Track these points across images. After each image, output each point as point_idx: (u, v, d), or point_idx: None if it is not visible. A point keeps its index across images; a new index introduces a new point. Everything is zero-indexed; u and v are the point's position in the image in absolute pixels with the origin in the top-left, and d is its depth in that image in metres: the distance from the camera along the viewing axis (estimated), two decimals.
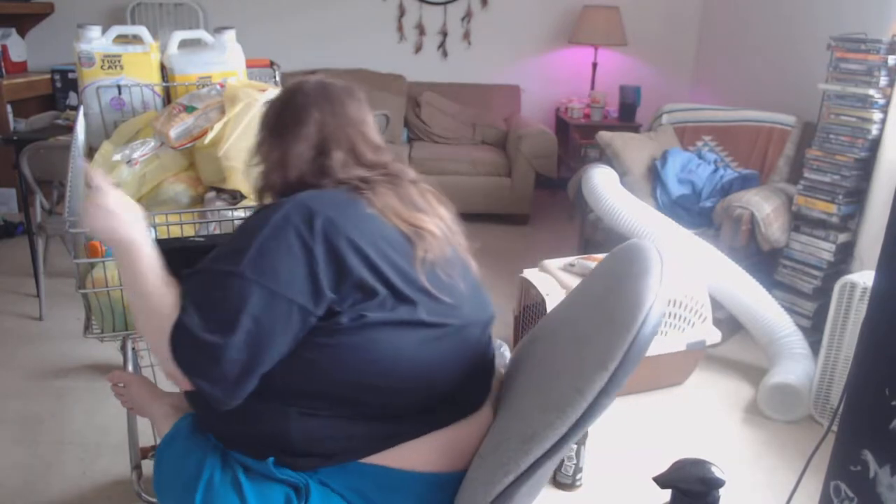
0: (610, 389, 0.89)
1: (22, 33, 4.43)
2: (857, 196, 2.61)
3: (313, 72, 4.42)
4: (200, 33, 1.91)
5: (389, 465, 1.05)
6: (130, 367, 1.64)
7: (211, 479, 1.05)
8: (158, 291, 1.00)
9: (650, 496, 1.58)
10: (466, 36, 4.78)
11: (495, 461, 0.97)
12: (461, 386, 1.11)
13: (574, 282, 2.34)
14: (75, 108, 1.94)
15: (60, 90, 4.30)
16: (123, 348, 1.69)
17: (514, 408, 1.09)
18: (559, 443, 0.91)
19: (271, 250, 0.98)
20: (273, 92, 1.65)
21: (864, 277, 2.14)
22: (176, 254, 1.10)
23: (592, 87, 4.72)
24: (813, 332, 2.61)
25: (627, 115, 4.54)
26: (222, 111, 1.66)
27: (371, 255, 1.01)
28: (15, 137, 3.00)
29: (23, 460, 2.03)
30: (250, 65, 2.02)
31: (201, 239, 1.44)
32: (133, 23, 4.32)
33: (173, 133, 1.65)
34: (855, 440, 1.25)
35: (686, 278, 2.44)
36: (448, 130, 4.52)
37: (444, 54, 4.82)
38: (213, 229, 1.58)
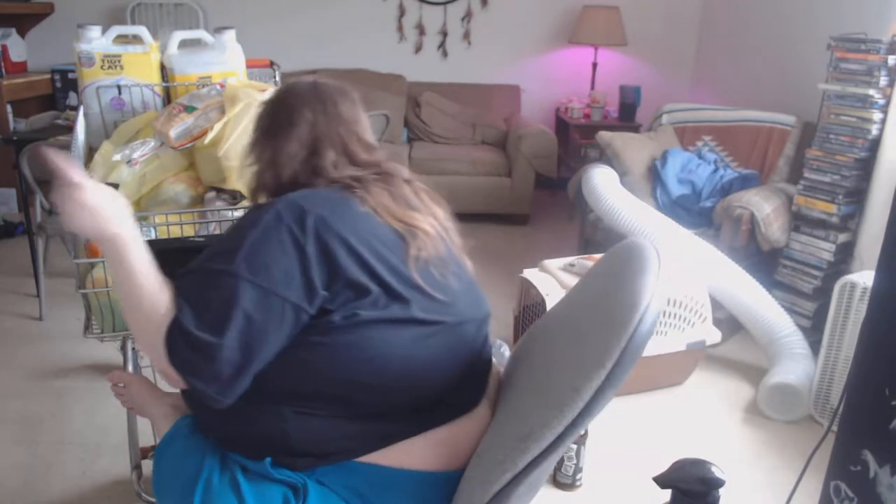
0: (607, 388, 0.89)
1: (22, 33, 4.43)
2: (857, 196, 2.61)
3: (313, 72, 4.42)
4: (200, 33, 1.91)
5: (386, 465, 1.05)
6: (130, 367, 1.64)
7: (209, 479, 1.05)
8: (152, 290, 0.99)
9: (650, 496, 1.58)
10: (466, 36, 4.78)
11: (492, 460, 0.98)
12: (456, 384, 1.11)
13: (574, 282, 2.34)
14: (75, 108, 1.94)
15: (60, 90, 4.30)
16: (123, 348, 1.69)
17: (511, 406, 1.09)
18: (556, 441, 0.91)
19: (264, 249, 0.98)
20: (272, 92, 1.65)
21: (864, 277, 2.14)
22: (169, 254, 1.10)
23: (592, 87, 4.72)
24: (813, 332, 2.61)
25: (627, 115, 4.54)
26: (222, 111, 1.66)
27: (363, 253, 1.02)
28: (15, 137, 3.00)
29: (23, 460, 2.03)
30: (250, 65, 2.02)
31: (201, 239, 1.44)
32: (133, 23, 4.32)
33: (173, 133, 1.65)
34: (855, 440, 1.25)
35: (686, 278, 2.44)
36: (448, 130, 4.52)
37: (444, 54, 4.82)
38: (213, 229, 1.58)
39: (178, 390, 1.17)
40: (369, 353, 1.01)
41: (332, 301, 1.00)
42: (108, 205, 0.98)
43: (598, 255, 2.50)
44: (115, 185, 1.62)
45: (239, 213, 1.57)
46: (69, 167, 0.96)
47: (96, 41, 1.78)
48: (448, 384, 1.09)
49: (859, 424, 1.25)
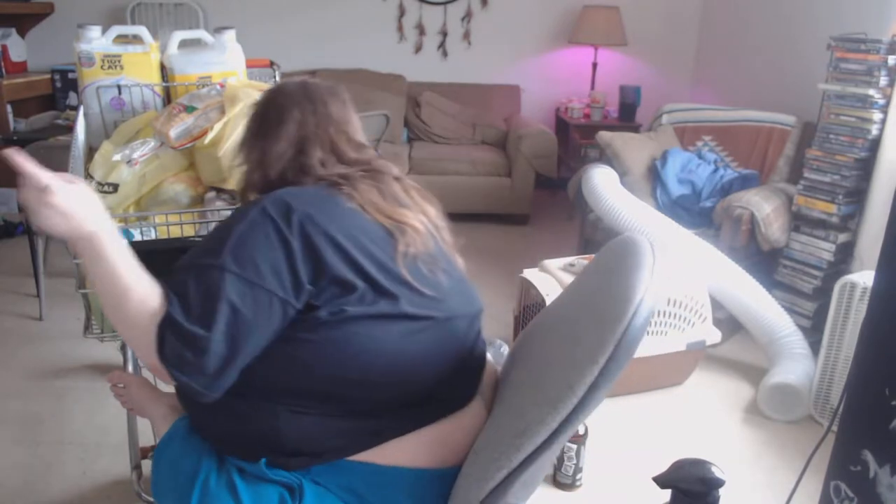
0: (601, 383, 0.89)
1: (22, 33, 4.43)
2: (857, 196, 2.61)
3: (313, 72, 4.42)
4: (200, 33, 1.91)
5: (380, 463, 1.05)
6: (130, 368, 1.64)
7: (207, 481, 1.05)
8: (138, 284, 0.97)
9: (650, 496, 1.58)
10: (466, 36, 4.78)
11: (488, 456, 0.98)
12: (447, 380, 1.10)
13: None
14: (75, 108, 1.94)
15: (60, 90, 4.30)
16: (123, 348, 1.69)
17: (507, 403, 1.09)
18: (551, 438, 0.91)
19: (250, 244, 0.99)
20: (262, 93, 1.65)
21: (864, 277, 2.14)
22: (161, 255, 1.10)
23: (592, 87, 4.72)
24: (813, 332, 2.61)
25: (627, 115, 4.54)
26: (222, 111, 1.67)
27: (349, 249, 1.02)
28: (15, 137, 3.01)
29: (23, 460, 2.03)
30: (250, 65, 2.02)
31: (197, 239, 1.44)
32: (133, 23, 4.32)
33: (173, 133, 1.65)
34: (855, 440, 1.25)
35: (686, 278, 2.44)
36: (448, 130, 4.52)
37: (444, 54, 4.82)
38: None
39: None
40: (357, 349, 1.01)
41: (319, 297, 1.00)
42: (80, 205, 0.95)
43: None
44: (115, 186, 1.63)
45: None
46: (36, 170, 0.93)
47: (96, 41, 1.78)
48: (439, 380, 1.09)
49: (859, 424, 1.25)
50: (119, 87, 1.79)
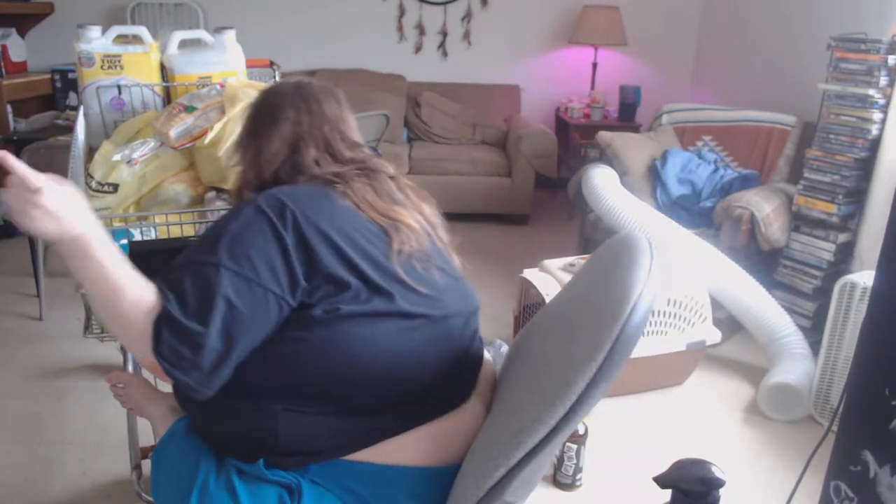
0: (599, 381, 0.89)
1: (22, 33, 4.43)
2: (857, 196, 2.61)
3: (313, 72, 4.42)
4: (200, 33, 1.91)
5: (377, 462, 1.05)
6: (130, 368, 1.64)
7: (206, 482, 1.05)
8: (130, 282, 0.96)
9: (650, 496, 1.58)
10: (466, 36, 4.78)
11: (486, 455, 0.98)
12: (443, 378, 1.10)
13: None
14: (75, 108, 1.94)
15: (60, 90, 4.30)
16: (123, 348, 1.69)
17: (505, 402, 1.09)
18: (549, 436, 0.91)
19: (246, 241, 0.99)
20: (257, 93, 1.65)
21: (864, 277, 2.14)
22: (156, 255, 1.10)
23: (592, 87, 4.72)
24: (813, 332, 2.61)
25: (627, 115, 4.54)
26: (222, 111, 1.67)
27: (343, 247, 1.02)
28: (15, 137, 3.01)
29: (23, 460, 2.03)
30: (250, 65, 2.02)
31: (190, 239, 1.44)
32: (133, 23, 4.32)
33: (173, 133, 1.65)
34: (855, 440, 1.25)
35: (686, 278, 2.44)
36: (448, 130, 4.52)
37: (444, 54, 4.82)
38: None
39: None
40: (351, 347, 1.01)
41: (313, 295, 1.01)
42: (68, 207, 0.93)
43: None
44: (115, 186, 1.63)
45: None
46: (29, 171, 0.92)
47: (96, 41, 1.79)
48: (434, 378, 1.09)
49: (859, 424, 1.25)
50: (119, 87, 1.80)
